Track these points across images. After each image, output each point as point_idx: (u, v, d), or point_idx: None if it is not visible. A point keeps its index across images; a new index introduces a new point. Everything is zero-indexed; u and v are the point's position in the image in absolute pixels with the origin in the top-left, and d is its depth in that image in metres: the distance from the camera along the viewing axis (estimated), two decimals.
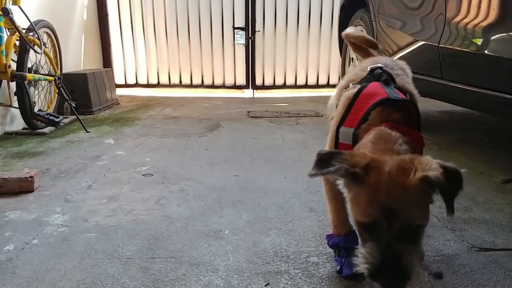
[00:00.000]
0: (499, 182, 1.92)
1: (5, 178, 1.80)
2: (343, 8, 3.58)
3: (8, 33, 2.75)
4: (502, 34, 1.78)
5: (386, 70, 1.21)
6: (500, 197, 1.75)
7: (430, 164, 0.83)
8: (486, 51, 1.88)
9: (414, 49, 2.49)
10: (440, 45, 2.16)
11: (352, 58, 3.43)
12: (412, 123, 1.05)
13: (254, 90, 5.15)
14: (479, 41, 1.92)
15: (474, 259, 1.28)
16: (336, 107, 1.23)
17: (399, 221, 0.82)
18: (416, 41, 2.46)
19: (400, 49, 2.64)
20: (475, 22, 1.92)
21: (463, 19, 2.00)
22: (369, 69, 1.22)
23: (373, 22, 2.96)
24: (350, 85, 1.21)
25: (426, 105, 3.92)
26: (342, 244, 1.20)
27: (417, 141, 1.01)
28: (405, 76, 1.31)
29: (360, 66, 1.34)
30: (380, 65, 1.23)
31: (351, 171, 0.85)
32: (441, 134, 2.89)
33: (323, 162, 0.87)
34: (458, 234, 1.44)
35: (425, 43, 2.36)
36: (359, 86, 1.15)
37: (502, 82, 1.79)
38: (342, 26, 3.59)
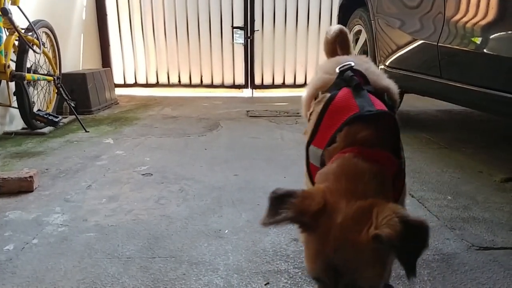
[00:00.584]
0: (499, 181, 1.93)
1: (5, 178, 1.80)
2: (342, 7, 3.59)
3: (7, 33, 2.75)
4: (501, 33, 1.79)
5: (357, 68, 1.07)
6: (499, 196, 1.76)
7: (389, 218, 0.70)
8: (485, 50, 1.88)
9: (413, 48, 2.49)
10: (439, 44, 2.16)
11: None
12: (387, 138, 0.91)
13: (253, 90, 5.16)
14: (478, 40, 1.92)
15: (473, 258, 1.28)
16: (309, 121, 1.09)
17: (345, 282, 0.72)
18: (415, 40, 2.47)
19: (399, 48, 2.64)
20: (474, 21, 1.92)
21: (462, 18, 2.00)
22: (338, 71, 1.07)
23: (372, 21, 2.96)
24: (319, 94, 1.07)
25: (425, 104, 3.93)
26: None
27: (388, 165, 0.87)
28: (374, 68, 1.16)
29: (324, 69, 1.18)
30: (349, 63, 1.08)
31: (299, 221, 0.76)
32: (440, 133, 2.89)
33: (274, 207, 0.75)
34: (458, 233, 1.44)
35: (424, 42, 2.36)
36: (328, 95, 1.02)
37: (501, 80, 1.79)
38: (341, 25, 3.59)
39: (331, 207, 0.75)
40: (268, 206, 0.76)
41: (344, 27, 1.44)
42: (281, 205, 0.75)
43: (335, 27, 1.44)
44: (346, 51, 1.40)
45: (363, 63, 1.15)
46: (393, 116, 0.93)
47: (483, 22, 1.86)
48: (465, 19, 1.98)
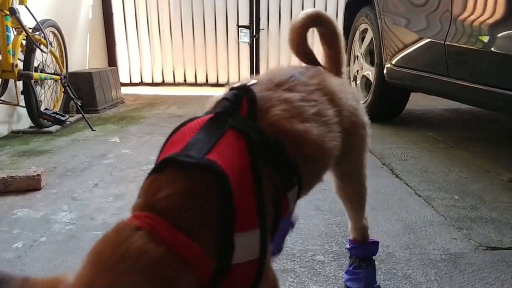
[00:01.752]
0: (506, 180, 1.91)
1: (13, 176, 1.82)
2: (348, 6, 3.58)
3: (15, 33, 2.77)
4: (509, 31, 1.77)
5: (250, 90, 0.73)
6: (507, 196, 1.74)
7: None
8: (492, 49, 1.86)
9: (420, 46, 2.48)
10: (446, 43, 2.14)
11: (357, 56, 3.42)
12: (206, 211, 0.59)
13: None
14: (485, 39, 1.91)
15: (481, 258, 1.27)
16: None
17: None
18: (421, 38, 2.45)
19: (406, 46, 2.63)
20: (481, 19, 1.90)
21: (469, 16, 1.99)
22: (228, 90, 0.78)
23: (378, 20, 2.95)
24: None
25: (432, 102, 3.91)
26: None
27: (192, 260, 0.56)
28: (312, 103, 0.76)
29: None
30: (251, 81, 0.77)
31: None
32: (447, 132, 2.87)
33: None
34: (465, 233, 1.43)
35: (431, 41, 2.35)
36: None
37: (508, 79, 1.77)
38: (347, 24, 3.59)
39: None
40: None
41: (321, 11, 0.98)
42: None
43: (308, 10, 0.95)
44: (335, 51, 0.98)
45: (303, 88, 0.77)
46: (221, 175, 0.59)
47: (491, 20, 1.85)
48: (472, 17, 1.97)
